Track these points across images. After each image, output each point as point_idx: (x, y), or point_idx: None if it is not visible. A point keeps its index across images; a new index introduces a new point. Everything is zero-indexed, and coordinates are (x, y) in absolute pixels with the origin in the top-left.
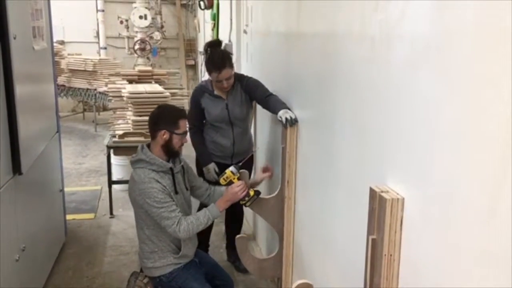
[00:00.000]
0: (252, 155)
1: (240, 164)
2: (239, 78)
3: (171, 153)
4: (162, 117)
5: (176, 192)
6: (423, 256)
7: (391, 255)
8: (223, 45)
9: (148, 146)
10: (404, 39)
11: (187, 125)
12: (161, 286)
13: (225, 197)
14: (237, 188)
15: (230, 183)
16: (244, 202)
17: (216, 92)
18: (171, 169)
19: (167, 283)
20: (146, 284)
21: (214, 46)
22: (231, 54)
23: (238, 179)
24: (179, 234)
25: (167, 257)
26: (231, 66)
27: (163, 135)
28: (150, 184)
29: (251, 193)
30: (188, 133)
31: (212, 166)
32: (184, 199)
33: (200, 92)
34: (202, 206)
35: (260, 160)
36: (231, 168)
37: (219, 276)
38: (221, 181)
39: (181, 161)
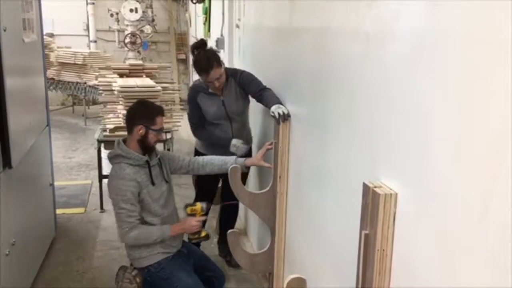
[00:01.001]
0: (251, 149)
1: (212, 204)
2: (233, 73)
3: (146, 148)
4: (139, 112)
5: (153, 184)
6: (415, 251)
7: (383, 250)
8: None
9: (125, 141)
10: (398, 36)
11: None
12: (150, 277)
13: (181, 225)
14: (195, 223)
15: (193, 215)
16: (193, 237)
17: (211, 90)
18: (147, 162)
19: (156, 273)
20: (134, 276)
21: (199, 47)
22: (218, 51)
23: (203, 215)
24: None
25: (153, 246)
26: (219, 65)
27: (139, 130)
28: (123, 181)
29: (203, 234)
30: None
31: (236, 141)
32: (161, 191)
33: (195, 92)
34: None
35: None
36: (203, 204)
37: (209, 267)
38: (188, 210)
39: (157, 154)
